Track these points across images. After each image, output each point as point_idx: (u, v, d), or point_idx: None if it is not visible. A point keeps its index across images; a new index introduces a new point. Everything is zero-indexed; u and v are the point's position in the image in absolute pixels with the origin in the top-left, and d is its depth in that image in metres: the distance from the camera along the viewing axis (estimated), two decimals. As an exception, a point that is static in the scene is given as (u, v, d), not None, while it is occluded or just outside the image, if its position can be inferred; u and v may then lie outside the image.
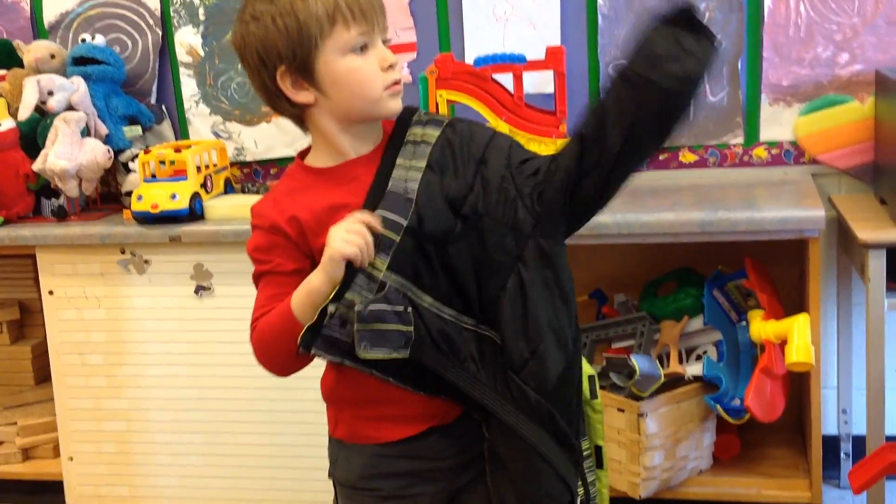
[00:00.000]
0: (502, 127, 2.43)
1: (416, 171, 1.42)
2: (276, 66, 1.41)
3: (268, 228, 1.45)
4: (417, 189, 1.40)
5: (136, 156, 2.71)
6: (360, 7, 1.38)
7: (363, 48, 1.40)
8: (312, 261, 1.42)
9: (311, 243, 1.43)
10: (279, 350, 1.43)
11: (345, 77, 1.40)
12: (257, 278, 1.49)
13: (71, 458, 2.77)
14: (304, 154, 1.52)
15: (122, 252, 2.62)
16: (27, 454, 2.96)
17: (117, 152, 2.81)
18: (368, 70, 1.40)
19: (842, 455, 2.68)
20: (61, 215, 2.75)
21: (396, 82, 1.42)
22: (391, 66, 1.41)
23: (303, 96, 1.42)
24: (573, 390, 1.45)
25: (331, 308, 1.35)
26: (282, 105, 1.46)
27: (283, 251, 1.45)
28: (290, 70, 1.40)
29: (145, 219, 2.58)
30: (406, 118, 1.49)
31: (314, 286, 1.37)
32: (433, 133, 1.46)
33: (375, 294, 1.35)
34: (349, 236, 1.33)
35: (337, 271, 1.35)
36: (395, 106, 1.45)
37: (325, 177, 1.46)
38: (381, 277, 1.36)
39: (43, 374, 3.01)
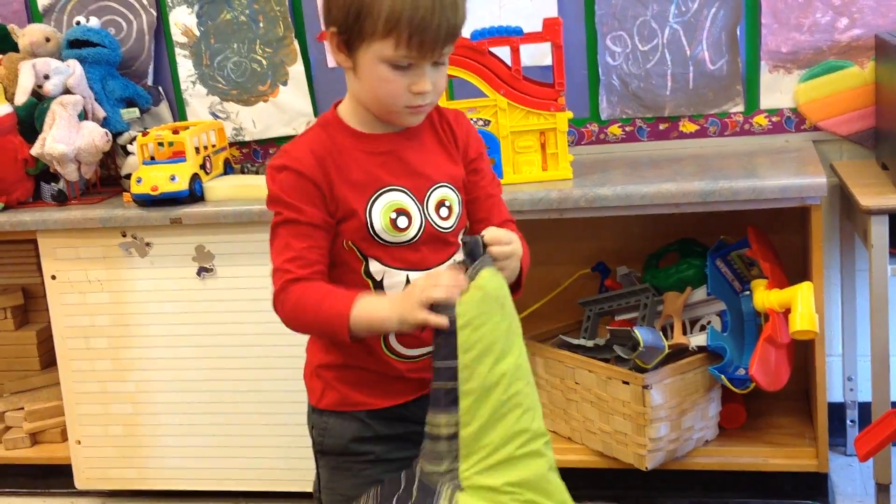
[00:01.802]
0: (500, 100, 2.42)
1: None
2: (330, 25, 1.42)
3: (301, 173, 1.44)
4: None
5: (135, 138, 2.70)
6: (421, 35, 1.35)
7: (405, 67, 1.39)
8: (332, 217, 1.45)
9: (336, 207, 1.44)
10: (314, 331, 1.50)
11: (374, 80, 1.41)
12: (283, 223, 1.45)
13: (78, 442, 2.78)
14: (339, 103, 1.53)
15: (124, 235, 2.61)
16: (35, 439, 2.97)
17: (115, 135, 2.81)
18: (396, 86, 1.40)
19: (848, 422, 2.68)
20: (61, 199, 2.75)
21: (420, 106, 1.43)
22: (421, 93, 1.40)
23: (341, 59, 1.44)
24: None
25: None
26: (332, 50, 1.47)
27: (313, 201, 1.44)
28: (339, 35, 1.42)
29: (145, 201, 2.57)
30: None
31: (379, 319, 1.38)
32: None
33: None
34: (441, 285, 1.34)
35: (414, 315, 1.34)
36: (414, 121, 1.47)
37: (359, 141, 1.48)
38: None
39: (48, 359, 3.03)
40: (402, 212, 1.46)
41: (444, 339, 1.34)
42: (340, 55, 1.44)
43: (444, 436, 1.35)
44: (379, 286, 1.47)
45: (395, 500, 1.40)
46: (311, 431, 1.61)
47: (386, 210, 1.46)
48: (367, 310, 1.38)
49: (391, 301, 1.38)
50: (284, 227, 1.44)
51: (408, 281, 1.47)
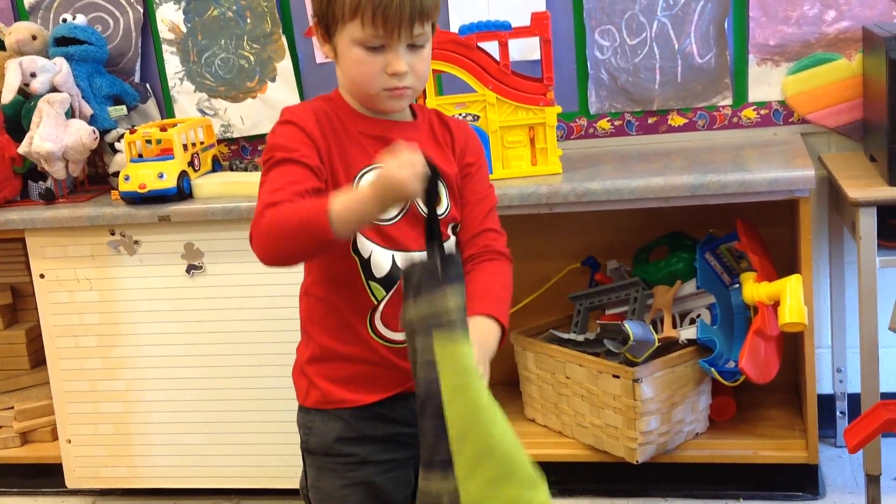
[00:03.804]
0: (489, 95, 2.42)
1: None
2: (313, 16, 1.47)
3: (302, 128, 1.44)
4: None
5: (122, 136, 2.69)
6: (384, 14, 1.37)
7: (379, 47, 1.41)
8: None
9: (329, 171, 1.44)
10: (293, 240, 1.34)
11: (350, 63, 1.43)
12: (275, 165, 1.41)
13: (69, 441, 2.77)
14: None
15: (112, 233, 2.61)
16: (25, 438, 2.96)
17: (103, 133, 2.80)
18: (370, 68, 1.42)
19: (837, 414, 2.69)
20: (49, 198, 2.74)
21: (398, 88, 1.43)
22: (396, 74, 1.42)
23: (326, 51, 1.48)
24: None
25: None
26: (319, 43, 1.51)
27: (308, 146, 1.43)
28: (319, 25, 1.46)
29: (133, 199, 2.56)
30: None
31: (360, 199, 1.30)
32: None
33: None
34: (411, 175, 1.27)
35: (395, 199, 1.29)
36: (394, 106, 1.48)
37: (356, 120, 1.49)
38: None
39: (38, 358, 3.02)
40: None
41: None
42: (325, 46, 1.47)
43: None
44: (366, 264, 1.47)
45: None
46: (299, 430, 1.61)
47: None
48: (348, 195, 1.32)
49: (371, 184, 1.31)
50: (275, 167, 1.41)
51: (393, 261, 1.47)
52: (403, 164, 1.27)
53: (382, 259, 1.47)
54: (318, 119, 1.46)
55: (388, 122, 1.50)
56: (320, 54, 2.84)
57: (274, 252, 1.36)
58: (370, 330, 1.50)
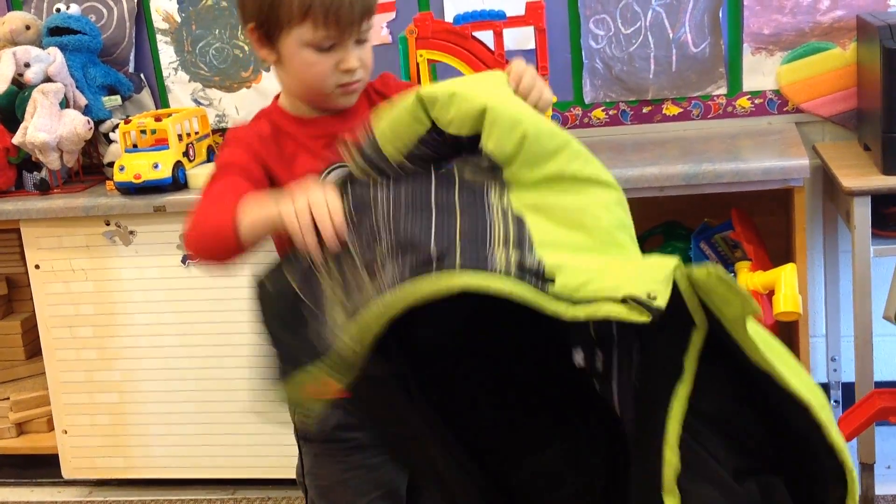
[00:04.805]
0: (484, 85, 2.42)
1: None
2: (248, 22, 1.45)
3: (246, 147, 1.46)
4: None
5: (117, 126, 2.69)
6: (336, 14, 1.38)
7: (329, 47, 1.41)
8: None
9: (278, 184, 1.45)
10: (207, 236, 1.41)
11: (300, 66, 1.44)
12: (215, 177, 1.45)
13: (65, 432, 2.77)
14: (278, 97, 1.57)
15: (107, 224, 2.60)
16: (21, 429, 2.97)
17: (97, 123, 2.79)
18: (323, 68, 1.42)
19: (831, 403, 2.70)
20: (44, 188, 2.73)
21: (351, 83, 1.44)
22: (349, 70, 1.42)
23: (265, 54, 1.47)
24: None
25: None
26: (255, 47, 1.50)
27: (253, 163, 1.44)
28: (258, 30, 1.45)
29: (129, 189, 2.56)
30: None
31: (265, 210, 1.31)
32: None
33: None
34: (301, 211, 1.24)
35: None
36: (346, 102, 1.48)
37: (302, 126, 1.50)
38: None
39: (34, 349, 3.02)
40: None
41: None
42: (263, 50, 1.46)
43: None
44: None
45: (433, 191, 1.26)
46: (293, 417, 1.62)
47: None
48: (257, 208, 1.32)
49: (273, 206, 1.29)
50: (217, 179, 1.44)
51: None
52: (297, 209, 1.23)
53: None
54: (263, 139, 1.47)
55: (331, 118, 1.50)
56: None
57: (196, 248, 1.43)
58: None
